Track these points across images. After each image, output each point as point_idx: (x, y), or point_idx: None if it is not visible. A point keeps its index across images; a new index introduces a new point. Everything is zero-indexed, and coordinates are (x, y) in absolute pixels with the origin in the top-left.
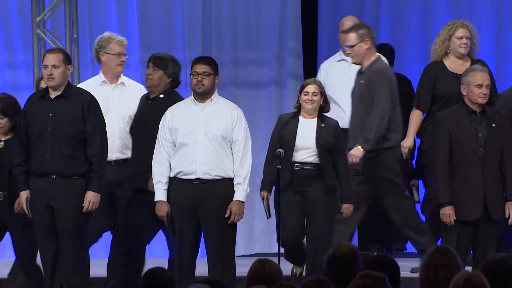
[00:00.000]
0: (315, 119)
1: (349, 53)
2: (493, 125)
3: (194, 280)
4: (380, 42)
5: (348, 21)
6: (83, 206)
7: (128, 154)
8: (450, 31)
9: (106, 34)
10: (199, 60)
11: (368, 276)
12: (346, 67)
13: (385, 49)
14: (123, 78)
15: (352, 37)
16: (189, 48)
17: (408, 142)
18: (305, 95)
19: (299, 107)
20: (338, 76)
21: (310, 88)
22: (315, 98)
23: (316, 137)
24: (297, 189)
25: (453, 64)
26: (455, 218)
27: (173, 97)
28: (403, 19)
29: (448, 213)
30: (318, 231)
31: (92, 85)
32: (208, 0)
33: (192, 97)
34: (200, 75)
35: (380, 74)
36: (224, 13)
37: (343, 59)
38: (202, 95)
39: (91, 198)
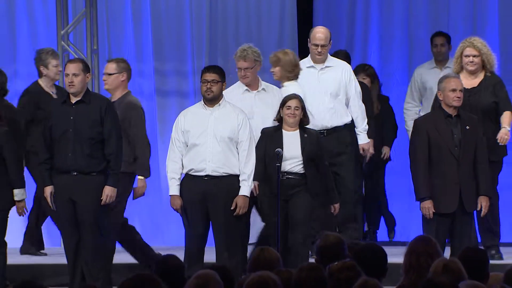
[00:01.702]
0: (297, 131)
1: (105, 80)
2: (467, 127)
3: (202, 266)
4: (368, 53)
5: (319, 33)
6: (102, 200)
7: None
8: (460, 49)
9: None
10: (208, 69)
11: (343, 268)
12: (315, 73)
13: (341, 55)
14: (263, 85)
15: (112, 66)
16: (197, 58)
17: None
18: (287, 109)
19: (280, 120)
20: (307, 81)
21: (292, 103)
22: (296, 112)
23: (301, 147)
24: (282, 197)
25: (465, 79)
26: (434, 211)
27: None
28: (389, 32)
29: (427, 207)
30: (299, 233)
31: (237, 93)
32: (215, 15)
33: (202, 102)
34: (209, 83)
35: (135, 108)
36: (229, 26)
37: (312, 66)
38: (211, 101)
39: (108, 192)
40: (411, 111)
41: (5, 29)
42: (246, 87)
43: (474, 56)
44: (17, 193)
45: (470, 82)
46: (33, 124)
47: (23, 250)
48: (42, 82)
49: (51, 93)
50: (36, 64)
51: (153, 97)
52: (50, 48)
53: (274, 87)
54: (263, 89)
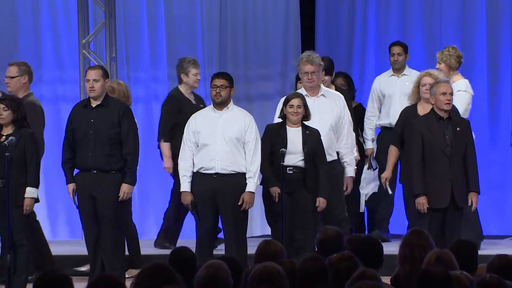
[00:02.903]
0: (300, 128)
1: (7, 83)
2: (458, 129)
3: (212, 257)
4: (366, 61)
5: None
6: (119, 196)
7: (328, 158)
8: (418, 79)
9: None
10: (217, 75)
11: (342, 259)
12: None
13: (327, 61)
14: (323, 91)
15: (14, 69)
16: (208, 65)
17: (386, 174)
18: (290, 107)
19: (284, 117)
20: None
21: (295, 102)
22: (299, 110)
23: (302, 143)
24: (285, 190)
25: (422, 108)
26: (428, 206)
27: None
28: (386, 39)
29: (422, 202)
30: (304, 232)
31: None
32: (224, 25)
33: (211, 105)
34: (218, 88)
35: (34, 107)
36: (237, 36)
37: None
38: (220, 104)
39: (125, 189)
40: (371, 121)
41: (32, 38)
42: (306, 93)
43: (430, 84)
44: (29, 191)
45: (428, 110)
46: (177, 128)
47: (158, 244)
48: (182, 88)
49: (190, 99)
50: (177, 71)
51: None
52: (192, 57)
53: (336, 92)
54: (323, 95)
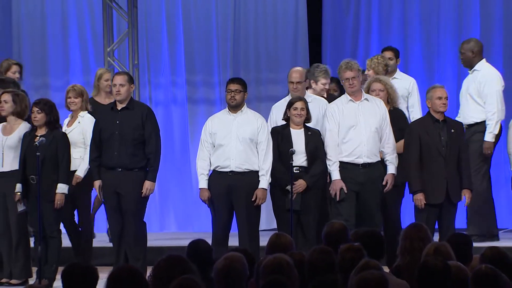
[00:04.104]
0: (303, 129)
1: None
2: (452, 130)
3: (227, 249)
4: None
5: (295, 73)
6: (142, 192)
7: (374, 158)
8: (368, 84)
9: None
10: (232, 80)
11: (350, 249)
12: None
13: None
14: (365, 95)
15: None
16: (223, 71)
17: None
18: (294, 110)
19: (287, 119)
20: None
21: (298, 105)
22: (302, 112)
23: (305, 143)
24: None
25: None
26: (425, 202)
27: None
28: None
29: (419, 199)
30: (310, 222)
31: (342, 103)
32: (237, 34)
33: (227, 109)
34: (233, 92)
35: None
36: (250, 44)
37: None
38: (235, 107)
39: (148, 186)
40: None
41: (60, 46)
42: (350, 98)
43: (380, 90)
44: (60, 187)
45: None
46: None
47: None
48: (311, 94)
49: None
50: (308, 76)
51: (185, 104)
52: (325, 66)
53: (377, 98)
54: (366, 99)
